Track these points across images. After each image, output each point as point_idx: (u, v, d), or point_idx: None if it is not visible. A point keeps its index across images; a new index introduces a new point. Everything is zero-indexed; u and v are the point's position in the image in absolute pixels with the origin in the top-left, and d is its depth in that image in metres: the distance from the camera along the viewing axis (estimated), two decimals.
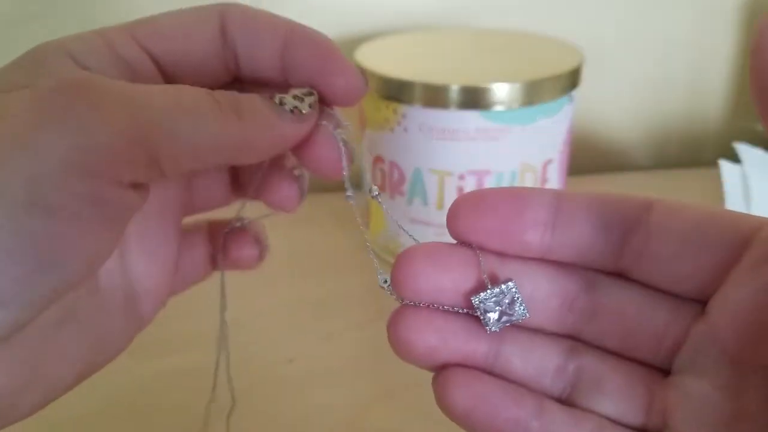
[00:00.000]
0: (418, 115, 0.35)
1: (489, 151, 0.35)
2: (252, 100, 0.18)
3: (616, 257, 0.18)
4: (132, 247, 0.21)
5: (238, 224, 0.24)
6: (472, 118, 0.34)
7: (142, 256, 0.21)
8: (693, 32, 0.53)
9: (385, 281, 0.19)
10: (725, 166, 0.43)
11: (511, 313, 0.18)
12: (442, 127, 0.35)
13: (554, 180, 0.38)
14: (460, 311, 0.18)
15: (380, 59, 0.37)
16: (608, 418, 0.18)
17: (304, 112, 0.19)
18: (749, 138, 0.53)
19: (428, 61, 0.38)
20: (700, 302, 0.17)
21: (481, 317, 0.17)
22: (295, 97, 0.19)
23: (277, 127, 0.18)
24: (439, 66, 0.37)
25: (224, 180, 0.24)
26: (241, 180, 0.24)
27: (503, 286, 0.18)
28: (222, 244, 0.24)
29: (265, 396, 0.31)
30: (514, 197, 0.18)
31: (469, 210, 0.18)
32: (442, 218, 0.31)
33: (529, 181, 0.37)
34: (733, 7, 0.52)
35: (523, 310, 0.18)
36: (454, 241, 0.18)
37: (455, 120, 0.34)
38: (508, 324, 0.18)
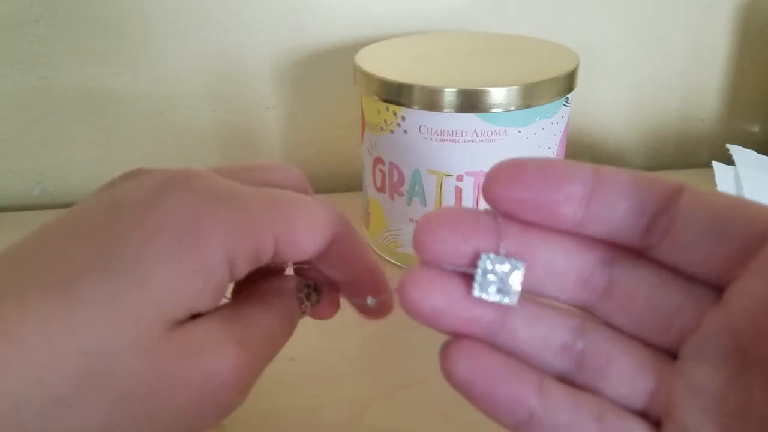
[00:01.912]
0: (417, 117, 0.35)
1: (486, 153, 0.36)
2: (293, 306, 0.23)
3: (642, 236, 0.18)
4: None
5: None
6: (470, 120, 0.35)
7: None
8: (687, 35, 0.53)
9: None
10: (719, 167, 0.43)
11: (504, 290, 0.17)
12: (441, 129, 0.35)
13: None
14: (465, 270, 0.17)
15: (380, 63, 0.38)
16: (611, 401, 0.18)
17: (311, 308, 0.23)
18: (743, 140, 0.54)
19: (427, 64, 0.38)
20: (716, 288, 0.17)
21: (476, 277, 0.17)
22: (309, 295, 0.23)
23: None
24: (437, 69, 0.37)
25: None
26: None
27: (516, 262, 0.17)
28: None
29: (265, 394, 0.31)
30: (553, 169, 0.18)
31: (508, 178, 0.17)
32: None
33: None
34: (728, 10, 0.53)
35: (515, 295, 0.17)
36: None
37: (453, 122, 0.35)
38: (492, 300, 0.17)
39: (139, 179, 0.19)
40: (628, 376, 0.18)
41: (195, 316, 0.19)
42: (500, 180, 0.18)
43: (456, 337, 0.18)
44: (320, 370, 0.33)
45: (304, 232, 0.20)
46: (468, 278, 0.18)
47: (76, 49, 0.46)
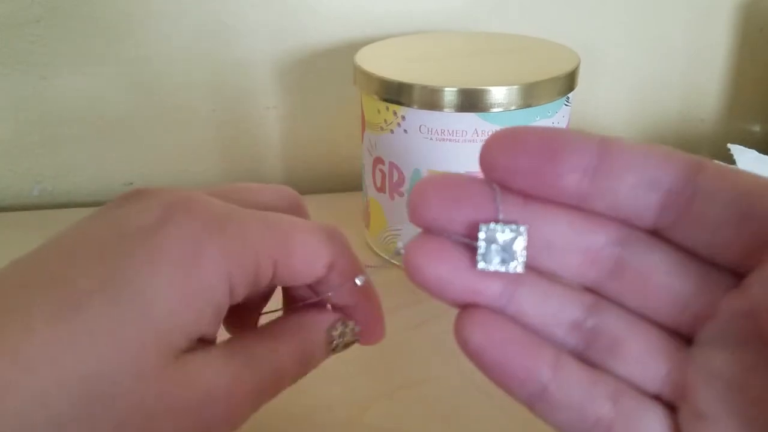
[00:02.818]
0: (417, 117, 0.35)
1: None
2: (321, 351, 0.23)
3: (656, 215, 0.17)
4: None
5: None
6: (470, 120, 0.35)
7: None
8: (688, 34, 0.53)
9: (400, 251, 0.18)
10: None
11: (508, 259, 0.17)
12: (441, 128, 0.35)
13: None
14: (465, 241, 0.17)
15: (380, 62, 0.38)
16: (626, 381, 0.17)
17: (349, 342, 0.23)
18: (744, 139, 0.54)
19: (427, 64, 0.38)
20: (734, 274, 0.16)
21: (478, 249, 0.17)
22: (341, 335, 0.23)
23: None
24: (437, 69, 0.37)
25: None
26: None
27: (518, 227, 0.17)
28: None
29: None
30: (553, 138, 0.17)
31: (503, 146, 0.17)
32: None
33: None
34: (728, 10, 0.53)
35: (521, 261, 0.17)
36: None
37: (454, 122, 0.35)
38: (500, 271, 0.17)
39: (144, 202, 0.19)
40: (640, 358, 0.17)
41: (202, 341, 0.19)
42: (497, 147, 0.17)
43: (470, 306, 0.17)
44: (320, 370, 0.33)
45: (302, 258, 0.20)
46: (472, 249, 0.17)
47: (76, 50, 0.46)
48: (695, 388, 0.16)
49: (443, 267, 0.17)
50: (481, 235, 0.16)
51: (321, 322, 0.23)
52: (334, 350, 0.22)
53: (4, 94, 0.46)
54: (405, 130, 0.36)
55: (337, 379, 0.32)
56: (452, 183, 0.17)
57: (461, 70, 0.37)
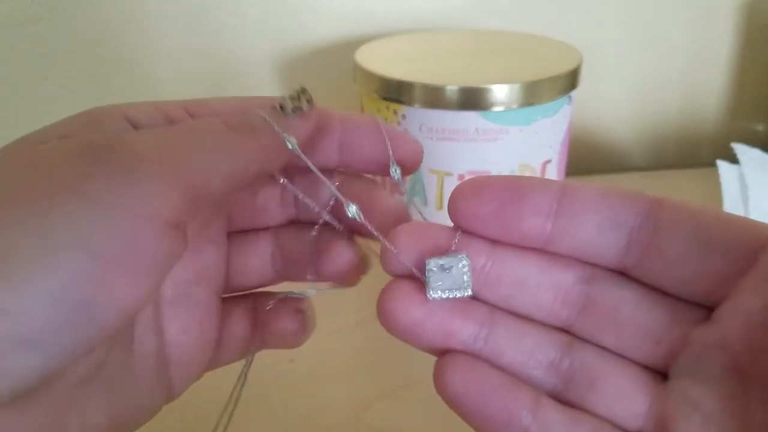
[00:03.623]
0: (417, 115, 0.35)
1: (488, 152, 0.35)
2: (259, 118, 0.18)
3: (620, 255, 0.17)
4: (168, 313, 0.20)
5: (281, 296, 0.23)
6: (471, 118, 0.34)
7: (177, 323, 0.20)
8: (690, 33, 0.53)
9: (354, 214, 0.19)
10: (723, 166, 0.43)
11: (456, 285, 0.17)
12: (442, 127, 0.35)
13: None
14: (416, 274, 0.18)
15: (380, 60, 0.38)
16: (606, 420, 0.17)
17: (305, 109, 0.19)
18: (747, 138, 0.53)
19: (428, 62, 0.38)
20: (703, 307, 0.17)
21: (425, 280, 0.18)
22: (291, 98, 0.19)
23: (288, 130, 0.19)
24: (438, 67, 0.37)
25: (265, 253, 0.23)
26: (285, 253, 0.23)
27: (458, 255, 0.18)
28: (262, 319, 0.23)
29: (265, 396, 0.31)
30: (515, 185, 0.18)
31: (469, 195, 0.18)
32: (442, 218, 0.31)
33: None
34: (731, 8, 0.53)
35: (467, 282, 0.18)
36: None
37: (455, 121, 0.35)
38: (450, 297, 0.18)
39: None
40: (619, 395, 0.17)
41: None
42: (462, 196, 0.18)
43: (447, 353, 0.18)
44: (320, 371, 0.33)
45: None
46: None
47: (76, 49, 0.46)
48: (675, 421, 0.16)
49: (416, 310, 0.18)
50: (427, 266, 0.18)
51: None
52: (282, 108, 0.19)
53: (3, 94, 0.46)
54: (405, 129, 0.36)
55: (338, 378, 0.32)
56: (419, 230, 0.18)
57: (462, 68, 0.37)
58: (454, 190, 0.18)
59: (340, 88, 0.49)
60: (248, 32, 0.47)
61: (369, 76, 0.36)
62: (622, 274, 0.18)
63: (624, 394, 0.17)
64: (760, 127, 0.57)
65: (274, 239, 0.23)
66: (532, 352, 0.18)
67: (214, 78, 0.48)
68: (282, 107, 0.19)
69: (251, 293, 0.23)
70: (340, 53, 0.48)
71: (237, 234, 0.22)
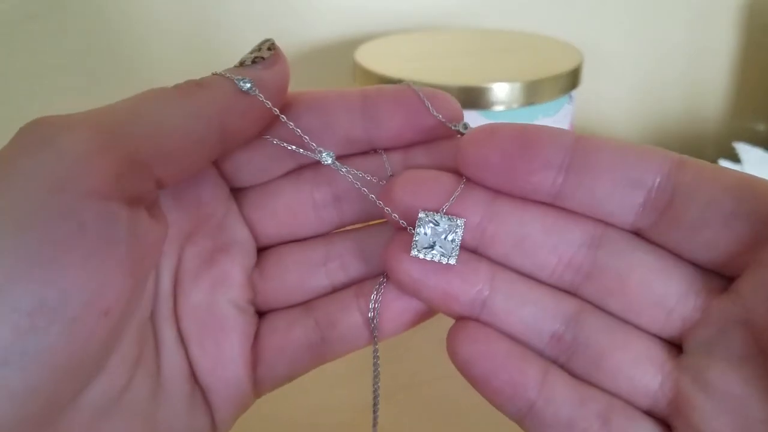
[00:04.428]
0: None
1: None
2: (211, 76, 0.17)
3: (635, 215, 0.16)
4: (189, 329, 0.18)
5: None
6: (472, 117, 0.34)
7: (199, 341, 0.18)
8: (692, 32, 0.53)
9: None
10: (725, 166, 0.43)
11: (441, 250, 0.17)
12: None
13: None
14: (404, 225, 0.17)
15: (380, 59, 0.37)
16: (617, 396, 0.16)
17: (266, 57, 0.18)
18: (749, 138, 0.53)
19: (428, 61, 0.38)
20: (721, 276, 0.16)
21: (414, 236, 0.17)
22: (252, 52, 0.18)
23: (249, 76, 0.17)
24: (439, 66, 0.37)
25: (316, 262, 0.20)
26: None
27: (453, 220, 0.17)
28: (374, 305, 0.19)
29: (266, 398, 0.31)
30: (526, 135, 0.16)
31: (478, 143, 0.17)
32: None
33: None
34: (732, 7, 0.52)
35: (453, 251, 0.17)
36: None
37: None
38: (432, 260, 0.17)
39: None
40: (627, 371, 0.16)
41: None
42: (472, 144, 0.17)
43: (463, 318, 0.17)
44: (320, 373, 0.33)
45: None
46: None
47: (73, 47, 0.46)
48: (691, 402, 0.15)
49: (414, 268, 0.17)
50: (418, 222, 0.17)
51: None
52: (242, 63, 0.19)
53: (3, 92, 0.46)
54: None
55: (339, 380, 0.32)
56: (424, 177, 0.17)
57: (463, 67, 0.37)
58: (464, 136, 0.17)
59: (340, 87, 0.49)
60: (248, 30, 0.47)
61: (369, 75, 0.36)
62: (636, 235, 0.17)
63: (632, 370, 0.16)
64: (761, 127, 0.57)
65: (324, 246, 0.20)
66: (533, 322, 0.17)
67: None
68: (241, 63, 0.18)
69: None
70: (340, 52, 0.48)
71: (279, 245, 0.20)
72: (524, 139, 0.16)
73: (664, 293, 0.16)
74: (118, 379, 0.16)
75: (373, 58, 0.38)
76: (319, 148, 0.18)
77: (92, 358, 0.15)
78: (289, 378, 0.20)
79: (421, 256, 0.17)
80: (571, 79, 0.36)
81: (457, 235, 0.17)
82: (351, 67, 0.39)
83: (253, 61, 0.18)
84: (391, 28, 0.48)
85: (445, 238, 0.17)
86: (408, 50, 0.40)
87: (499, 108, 0.34)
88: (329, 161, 0.18)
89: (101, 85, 0.47)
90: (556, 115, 0.36)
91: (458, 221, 0.17)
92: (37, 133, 0.14)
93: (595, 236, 0.17)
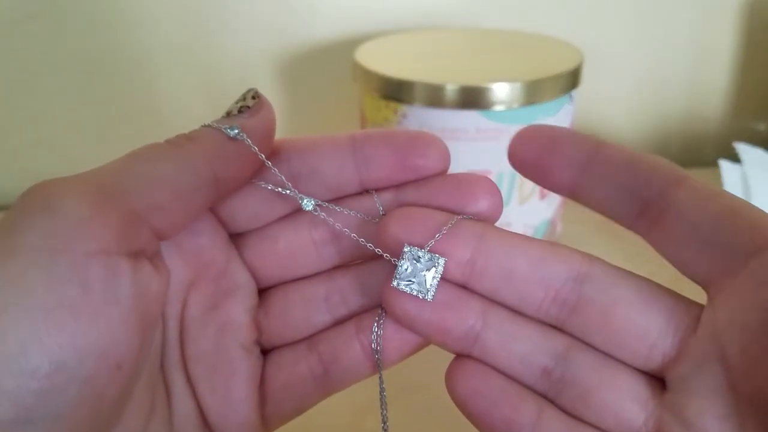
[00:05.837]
0: (418, 114, 0.35)
1: (489, 151, 0.35)
2: (200, 128, 0.18)
3: (631, 220, 0.17)
4: (196, 372, 0.19)
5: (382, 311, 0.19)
6: (472, 117, 0.34)
7: (207, 383, 0.19)
8: (693, 32, 0.53)
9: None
10: (725, 165, 0.43)
11: (420, 286, 0.18)
12: (443, 126, 0.35)
13: None
14: (390, 259, 0.18)
15: (380, 59, 0.37)
16: None
17: (251, 105, 0.19)
18: (749, 138, 0.53)
19: (428, 60, 0.38)
20: (701, 307, 0.17)
21: (397, 265, 0.18)
22: (237, 101, 0.19)
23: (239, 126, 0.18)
24: (439, 66, 0.37)
25: (317, 298, 0.20)
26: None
27: (436, 257, 0.18)
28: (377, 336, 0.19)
29: None
30: (553, 137, 0.18)
31: (519, 142, 0.19)
32: None
33: (529, 181, 0.37)
34: (733, 7, 0.52)
35: (431, 288, 0.18)
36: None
37: (455, 120, 0.34)
38: (411, 292, 0.18)
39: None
40: (612, 407, 0.17)
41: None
42: (517, 141, 0.19)
43: (459, 355, 0.18)
44: None
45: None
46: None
47: (72, 47, 0.45)
48: None
49: (412, 303, 0.18)
50: (402, 256, 0.18)
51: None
52: (228, 114, 0.19)
53: (3, 91, 0.46)
54: (406, 129, 0.36)
55: None
56: (415, 213, 0.18)
57: (463, 67, 0.37)
58: (516, 134, 0.19)
59: (340, 87, 0.49)
60: (249, 30, 0.47)
61: (369, 74, 0.36)
62: (618, 269, 0.18)
63: (617, 407, 0.17)
64: (762, 127, 0.57)
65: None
66: (525, 357, 0.18)
67: (214, 76, 0.48)
68: (228, 113, 0.19)
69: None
70: (341, 52, 0.48)
71: (280, 285, 0.21)
72: (551, 141, 0.18)
73: (646, 327, 0.17)
74: (134, 428, 0.17)
75: (373, 58, 0.38)
76: (300, 195, 0.19)
77: (109, 410, 0.15)
78: (297, 413, 0.21)
79: (402, 287, 0.18)
80: (572, 79, 0.36)
81: (436, 273, 0.18)
82: (351, 67, 0.39)
83: (239, 111, 0.19)
84: (391, 28, 0.48)
85: (424, 274, 0.18)
86: (408, 50, 0.40)
87: (499, 108, 0.34)
88: (310, 207, 0.19)
89: (101, 85, 0.47)
90: (557, 115, 0.36)
91: (439, 260, 0.18)
92: (38, 199, 0.15)
93: (581, 271, 0.18)
